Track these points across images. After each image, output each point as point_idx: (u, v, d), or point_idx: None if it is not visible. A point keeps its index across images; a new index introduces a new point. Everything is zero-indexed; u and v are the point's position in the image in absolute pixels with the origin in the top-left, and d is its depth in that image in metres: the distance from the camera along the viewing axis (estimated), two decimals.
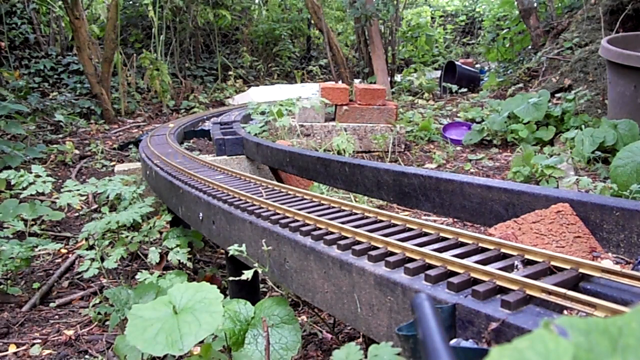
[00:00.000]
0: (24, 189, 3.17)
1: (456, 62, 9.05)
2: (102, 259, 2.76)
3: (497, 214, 1.74)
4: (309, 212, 1.70)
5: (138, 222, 2.87)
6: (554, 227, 1.41)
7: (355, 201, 3.45)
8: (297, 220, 1.64)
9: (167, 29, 10.18)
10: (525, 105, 5.02)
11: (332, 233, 1.49)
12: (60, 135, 6.78)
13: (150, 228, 3.01)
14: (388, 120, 5.38)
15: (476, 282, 1.09)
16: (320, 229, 1.54)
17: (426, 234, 1.42)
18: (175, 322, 1.25)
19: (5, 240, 3.08)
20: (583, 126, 4.43)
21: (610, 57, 4.09)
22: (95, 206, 4.43)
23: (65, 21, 9.04)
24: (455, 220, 2.83)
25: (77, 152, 6.07)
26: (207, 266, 3.33)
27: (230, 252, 1.74)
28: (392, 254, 1.29)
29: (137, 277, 2.36)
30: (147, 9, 9.14)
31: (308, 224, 1.59)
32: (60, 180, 5.09)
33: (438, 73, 9.79)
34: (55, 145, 6.08)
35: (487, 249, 1.26)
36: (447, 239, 1.37)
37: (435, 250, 1.26)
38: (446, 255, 1.20)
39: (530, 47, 8.26)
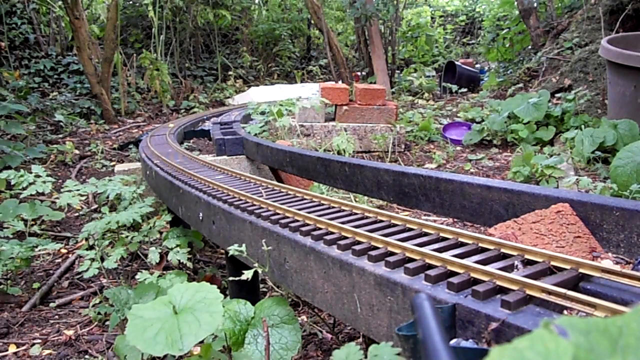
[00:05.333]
0: (24, 189, 3.17)
1: (456, 62, 9.06)
2: (102, 259, 2.76)
3: (497, 214, 1.74)
4: (309, 212, 1.69)
5: (138, 222, 2.86)
6: (554, 227, 1.41)
7: (355, 201, 3.45)
8: (297, 220, 1.64)
9: (167, 29, 10.18)
10: (525, 105, 5.02)
11: (332, 233, 1.49)
12: (60, 135, 6.78)
13: (150, 228, 3.01)
14: (388, 120, 5.38)
15: (476, 282, 1.09)
16: (320, 229, 1.54)
17: (426, 234, 1.42)
18: (175, 322, 1.25)
19: (5, 240, 3.08)
20: (583, 126, 4.43)
21: (610, 57, 4.09)
22: (95, 206, 4.43)
23: (65, 21, 9.04)
24: (455, 220, 2.83)
25: (77, 152, 6.07)
26: (207, 266, 3.33)
27: (230, 252, 1.74)
28: (392, 254, 1.29)
29: (137, 277, 2.36)
30: (147, 9, 9.14)
31: (308, 224, 1.59)
32: (60, 180, 5.09)
33: (435, 72, 9.82)
34: (55, 145, 6.08)
35: (487, 249, 1.26)
36: (447, 239, 1.37)
37: (435, 250, 1.26)
38: (446, 255, 1.20)
39: (530, 47, 8.26)
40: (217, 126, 5.28)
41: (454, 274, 1.13)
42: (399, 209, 3.73)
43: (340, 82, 8.53)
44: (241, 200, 2.00)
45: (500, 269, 1.10)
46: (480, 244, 1.28)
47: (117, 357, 2.10)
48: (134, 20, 11.02)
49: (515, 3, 8.15)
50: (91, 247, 3.00)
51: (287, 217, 1.69)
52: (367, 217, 1.65)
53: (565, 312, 0.96)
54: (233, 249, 1.72)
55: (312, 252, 1.44)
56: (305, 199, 1.97)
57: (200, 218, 2.27)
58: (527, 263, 1.17)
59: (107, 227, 2.82)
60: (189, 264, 2.75)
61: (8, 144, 5.29)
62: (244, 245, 1.73)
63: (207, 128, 6.19)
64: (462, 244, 1.32)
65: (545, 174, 3.62)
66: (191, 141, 6.09)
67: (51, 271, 3.42)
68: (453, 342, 0.99)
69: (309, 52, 13.26)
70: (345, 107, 5.38)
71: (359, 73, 9.10)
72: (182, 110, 8.79)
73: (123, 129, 7.48)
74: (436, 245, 1.32)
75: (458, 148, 5.37)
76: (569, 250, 1.36)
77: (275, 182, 2.25)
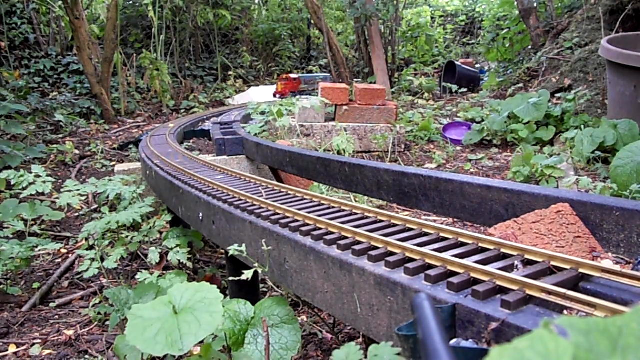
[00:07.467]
0: (24, 189, 3.17)
1: (456, 62, 9.05)
2: (102, 259, 2.76)
3: (497, 214, 1.74)
4: (309, 212, 1.69)
5: (138, 222, 2.86)
6: (554, 227, 1.41)
7: (355, 201, 3.45)
8: (297, 220, 1.64)
9: (167, 29, 10.18)
10: (525, 105, 5.02)
11: (332, 233, 1.49)
12: (60, 135, 6.78)
13: (150, 228, 3.01)
14: (388, 120, 5.38)
15: (476, 282, 1.09)
16: (320, 229, 1.54)
17: (426, 234, 1.42)
18: (175, 322, 1.25)
19: (5, 240, 3.08)
20: (583, 126, 4.43)
21: (610, 57, 4.09)
22: (95, 206, 4.43)
23: (65, 21, 9.03)
24: (455, 220, 2.83)
25: (77, 152, 6.07)
26: (207, 266, 3.33)
27: (230, 252, 1.74)
28: (392, 254, 1.29)
29: (137, 277, 2.36)
30: (147, 9, 9.14)
31: (308, 224, 1.59)
32: (60, 180, 5.09)
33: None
34: (55, 145, 6.08)
35: (487, 249, 1.26)
36: (447, 239, 1.37)
37: (435, 250, 1.26)
38: (446, 255, 1.20)
39: (530, 47, 8.26)
40: (217, 126, 5.28)
41: (454, 274, 1.13)
42: (399, 209, 3.72)
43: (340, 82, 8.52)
44: (241, 200, 2.00)
45: (500, 269, 1.10)
46: (480, 244, 1.28)
47: (117, 357, 2.10)
48: (134, 20, 11.02)
49: (515, 3, 8.15)
50: (91, 247, 3.00)
51: (287, 217, 1.69)
52: (367, 217, 1.65)
53: (565, 312, 0.96)
54: (233, 249, 1.72)
55: (312, 252, 1.44)
56: (305, 199, 1.97)
57: (200, 218, 2.27)
58: (527, 263, 1.17)
59: (107, 227, 2.82)
60: (189, 264, 2.75)
61: (8, 144, 5.29)
62: (244, 245, 1.73)
63: (207, 128, 6.20)
64: (462, 244, 1.32)
65: (545, 174, 3.62)
66: (191, 141, 6.09)
67: (51, 271, 3.42)
68: (453, 342, 0.99)
69: (309, 52, 13.26)
70: (345, 107, 5.38)
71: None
72: (182, 110, 8.79)
73: (123, 129, 7.48)
74: (436, 245, 1.32)
75: (458, 148, 5.37)
76: (569, 250, 1.36)
77: (275, 182, 2.25)
